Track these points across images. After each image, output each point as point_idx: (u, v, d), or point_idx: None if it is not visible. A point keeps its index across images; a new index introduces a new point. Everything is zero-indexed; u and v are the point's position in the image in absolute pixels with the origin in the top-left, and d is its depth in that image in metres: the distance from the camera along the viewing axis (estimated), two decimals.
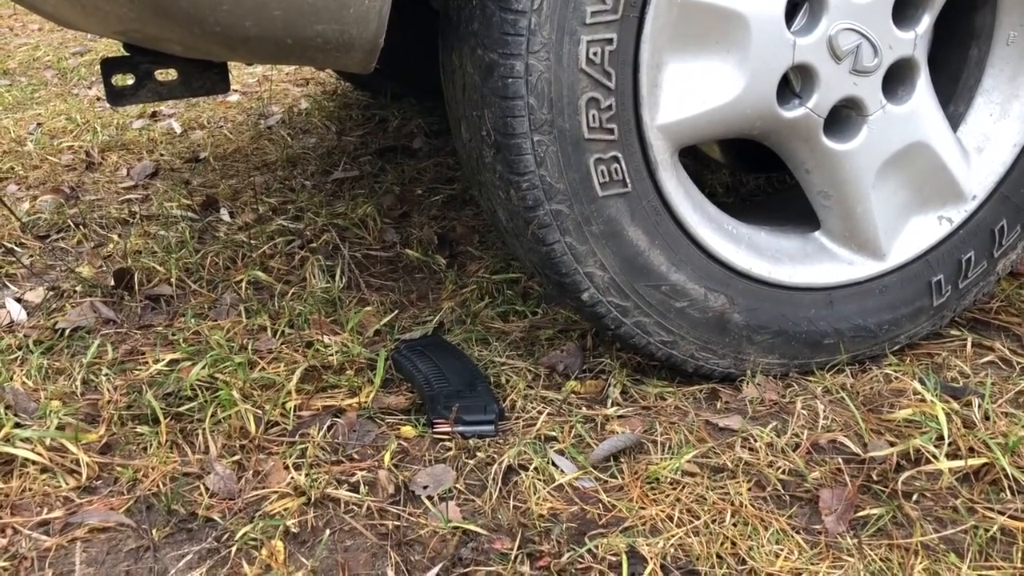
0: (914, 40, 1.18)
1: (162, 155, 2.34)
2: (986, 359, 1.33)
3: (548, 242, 1.13)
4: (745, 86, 1.11)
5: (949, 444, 1.11)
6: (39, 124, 2.62)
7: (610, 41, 1.05)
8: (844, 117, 1.20)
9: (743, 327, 1.24)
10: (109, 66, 1.23)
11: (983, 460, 1.09)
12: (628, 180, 1.12)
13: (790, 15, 1.11)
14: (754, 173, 1.90)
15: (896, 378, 1.28)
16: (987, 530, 1.01)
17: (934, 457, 1.10)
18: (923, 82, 1.22)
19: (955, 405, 1.19)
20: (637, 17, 1.06)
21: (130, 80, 1.23)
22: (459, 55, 1.12)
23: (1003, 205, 1.32)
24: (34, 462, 1.13)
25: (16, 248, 1.79)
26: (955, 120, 1.33)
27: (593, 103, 1.07)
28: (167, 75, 1.26)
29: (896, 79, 1.21)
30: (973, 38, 1.31)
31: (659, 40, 1.08)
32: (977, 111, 1.33)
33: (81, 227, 1.87)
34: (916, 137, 1.23)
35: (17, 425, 1.18)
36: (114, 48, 3.26)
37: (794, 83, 1.17)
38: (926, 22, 1.18)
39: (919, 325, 1.33)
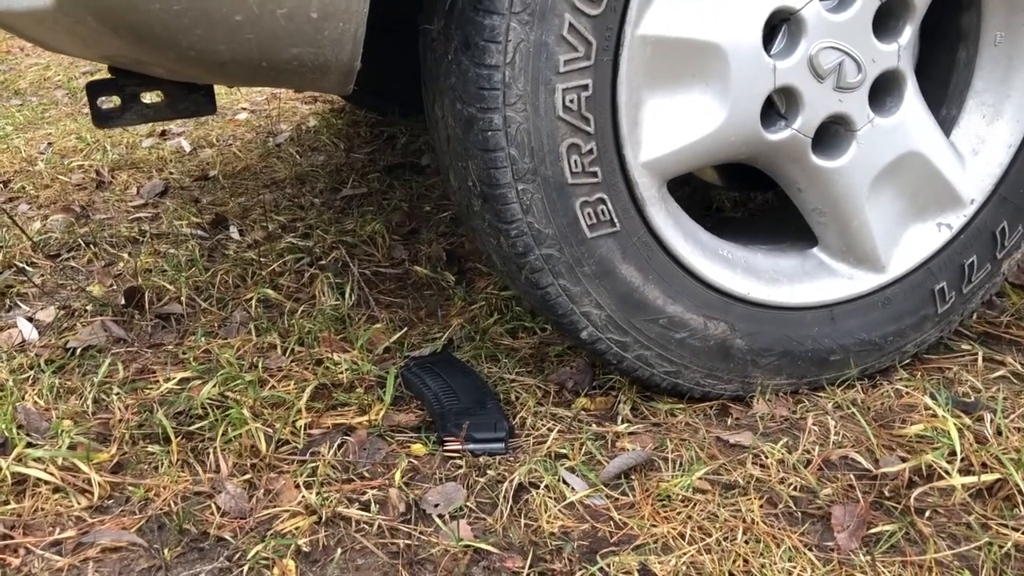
0: (897, 52, 1.17)
1: (172, 173, 2.36)
2: (997, 373, 1.33)
3: (542, 286, 1.14)
4: (727, 115, 1.11)
5: (961, 460, 1.11)
6: (50, 143, 2.64)
7: (585, 87, 1.06)
8: (833, 133, 1.20)
9: (747, 351, 1.24)
10: (95, 88, 1.23)
11: (996, 476, 1.09)
12: (616, 220, 1.13)
13: (768, 39, 1.11)
14: (751, 192, 1.90)
15: (907, 393, 1.28)
16: (1001, 546, 1.00)
17: (946, 473, 1.10)
18: (911, 92, 1.21)
19: (967, 420, 1.18)
20: (611, 60, 1.06)
21: (116, 102, 1.24)
22: (441, 107, 1.13)
23: (1003, 207, 1.31)
24: (46, 482, 1.13)
25: (27, 267, 1.80)
26: (948, 124, 1.32)
27: (574, 149, 1.08)
28: (154, 97, 1.26)
29: (883, 91, 1.20)
30: (961, 40, 1.30)
31: (635, 79, 1.08)
32: (970, 114, 1.32)
33: (91, 246, 1.88)
34: (907, 147, 1.23)
35: (29, 445, 1.18)
36: None
37: (779, 105, 1.16)
38: (908, 33, 1.18)
39: (925, 333, 1.33)
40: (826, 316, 1.27)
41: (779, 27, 1.12)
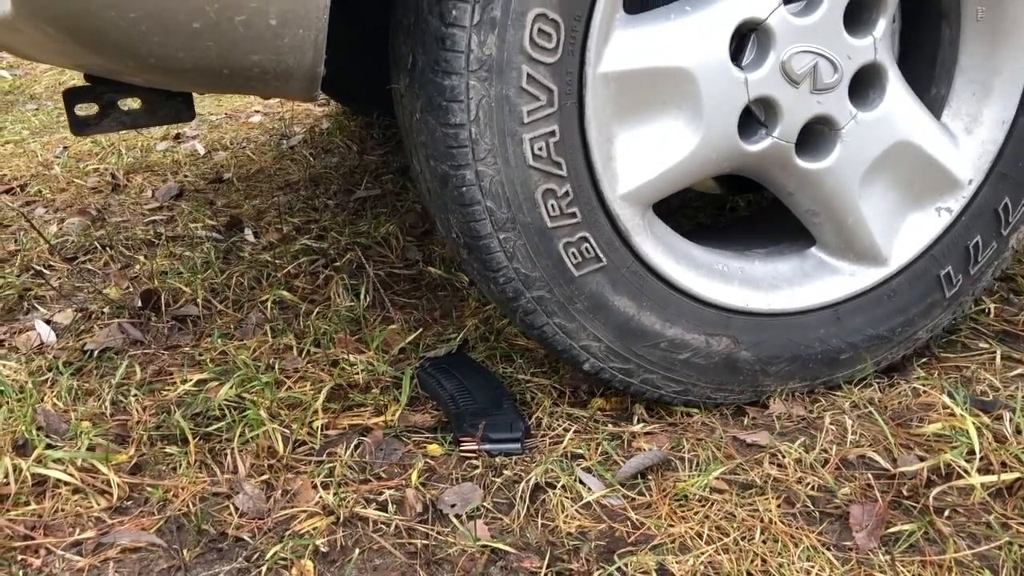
0: (873, 45, 1.15)
1: (186, 176, 2.37)
2: (1016, 372, 1.32)
3: (537, 325, 1.15)
4: (703, 135, 1.10)
5: (980, 459, 1.10)
6: (65, 147, 2.66)
7: (552, 133, 1.06)
8: (817, 134, 1.18)
9: (754, 362, 1.23)
10: (72, 96, 1.22)
11: (1016, 475, 1.08)
12: (602, 255, 1.13)
13: (738, 51, 1.10)
14: (755, 192, 1.88)
15: (925, 392, 1.27)
16: (1022, 546, 0.99)
17: (965, 472, 1.09)
18: (893, 81, 1.19)
19: (985, 419, 1.18)
20: (576, 102, 1.06)
21: (94, 109, 1.22)
22: (418, 162, 1.14)
23: (1003, 183, 1.29)
24: (66, 483, 1.14)
25: (45, 270, 1.81)
26: (938, 103, 1.30)
27: (550, 193, 1.08)
28: (133, 104, 1.25)
29: (864, 85, 1.18)
30: (943, 18, 1.27)
31: (604, 116, 1.08)
32: (959, 92, 1.29)
33: (108, 249, 1.89)
34: (896, 138, 1.21)
35: (49, 446, 1.19)
36: None
37: (757, 114, 1.15)
38: (882, 25, 1.15)
39: (935, 319, 1.31)
40: (831, 316, 1.26)
41: (747, 37, 1.11)
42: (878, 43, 1.15)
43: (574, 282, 1.13)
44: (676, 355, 1.19)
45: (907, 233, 1.28)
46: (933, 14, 1.28)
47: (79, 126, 1.23)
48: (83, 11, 0.89)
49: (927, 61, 1.30)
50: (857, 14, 1.14)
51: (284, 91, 1.04)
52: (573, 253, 1.11)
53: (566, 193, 1.08)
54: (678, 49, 1.07)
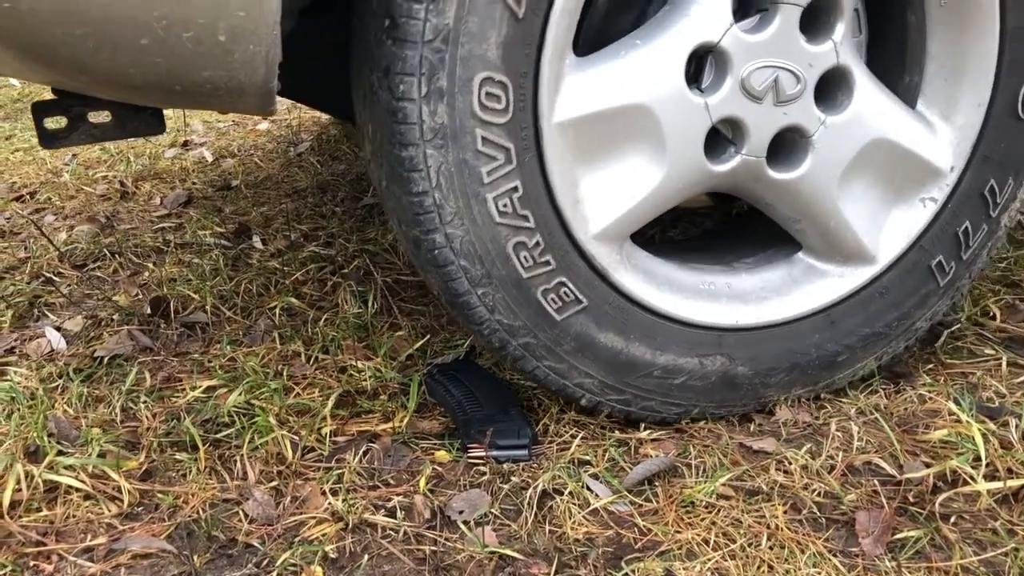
0: (834, 49, 1.13)
1: (194, 184, 2.39)
2: (1021, 378, 1.32)
3: (528, 370, 1.17)
4: (669, 166, 1.11)
5: (987, 465, 1.11)
6: (74, 155, 2.68)
7: (515, 188, 1.07)
8: (788, 143, 1.17)
9: (752, 376, 1.23)
10: (40, 109, 1.21)
11: (1022, 481, 1.08)
12: (581, 296, 1.14)
13: (697, 74, 1.10)
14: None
15: (930, 398, 1.28)
16: None
17: (972, 478, 1.09)
18: (861, 81, 1.17)
19: (992, 425, 1.18)
20: (535, 155, 1.07)
21: (63, 122, 1.22)
22: (395, 223, 1.16)
23: (986, 166, 1.27)
24: (77, 489, 1.15)
25: (55, 277, 1.82)
26: (912, 91, 1.28)
27: (521, 246, 1.09)
28: (103, 117, 1.24)
29: (831, 88, 1.17)
30: (907, 5, 1.24)
31: (565, 164, 1.09)
32: (932, 78, 1.26)
33: (117, 256, 1.90)
34: (869, 136, 1.19)
35: (60, 452, 1.20)
36: None
37: (724, 132, 1.14)
38: (841, 28, 1.13)
39: (932, 308, 1.30)
40: (824, 321, 1.26)
41: (705, 59, 1.10)
42: (839, 47, 1.14)
43: (557, 326, 1.14)
44: (671, 380, 1.20)
45: (893, 228, 1.27)
46: (897, 4, 1.26)
47: (48, 139, 1.23)
48: (31, 29, 0.89)
49: (897, 50, 1.28)
50: (814, 20, 1.13)
51: (239, 106, 1.05)
52: (552, 299, 1.13)
53: (537, 243, 1.10)
54: (632, 85, 1.07)
